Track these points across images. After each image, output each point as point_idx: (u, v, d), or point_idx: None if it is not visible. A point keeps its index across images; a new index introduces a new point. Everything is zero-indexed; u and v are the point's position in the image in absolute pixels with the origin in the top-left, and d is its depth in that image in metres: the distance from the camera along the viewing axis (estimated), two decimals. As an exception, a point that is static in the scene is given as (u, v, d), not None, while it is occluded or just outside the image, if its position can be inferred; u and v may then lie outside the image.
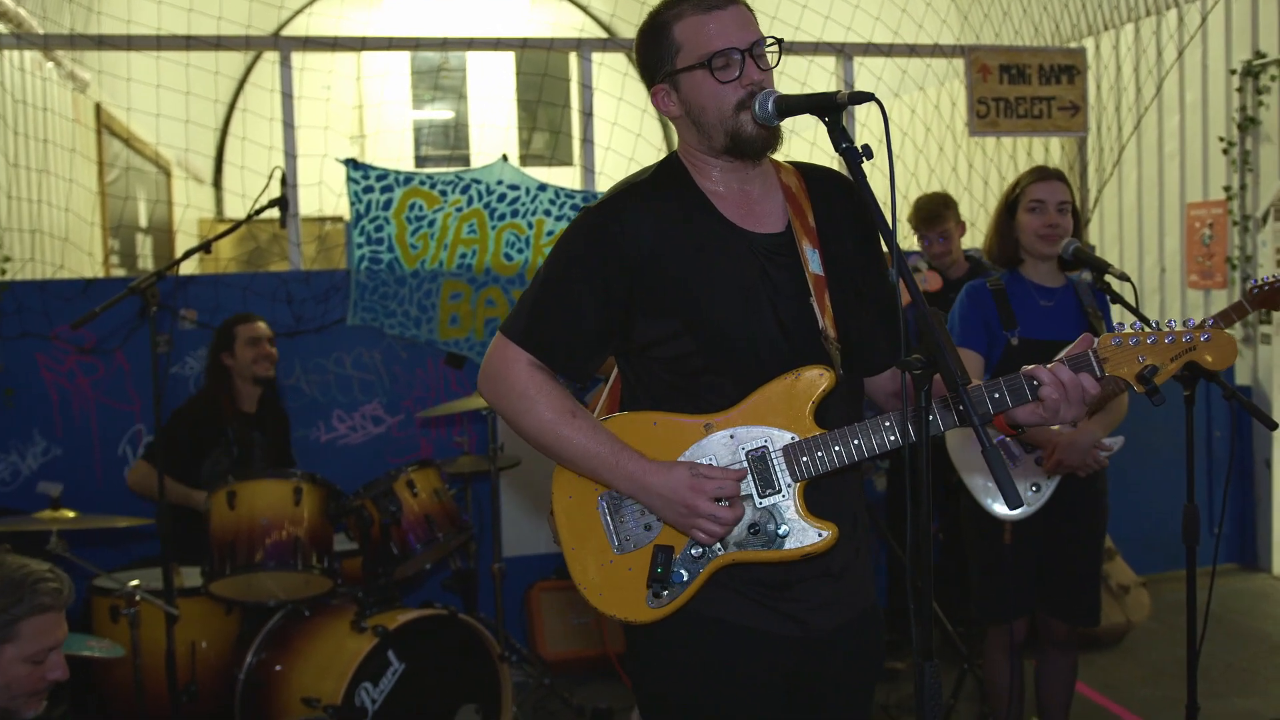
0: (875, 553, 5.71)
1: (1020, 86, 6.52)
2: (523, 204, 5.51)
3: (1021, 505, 2.71)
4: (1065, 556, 3.62)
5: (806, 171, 2.28)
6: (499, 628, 4.57)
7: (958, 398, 1.78)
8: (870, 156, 1.88)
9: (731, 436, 2.10)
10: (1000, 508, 3.58)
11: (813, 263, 2.14)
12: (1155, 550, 6.05)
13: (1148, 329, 2.01)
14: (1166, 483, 6.09)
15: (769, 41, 2.10)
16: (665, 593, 2.10)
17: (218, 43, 5.45)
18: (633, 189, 2.16)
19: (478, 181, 5.47)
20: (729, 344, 2.09)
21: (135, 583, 3.66)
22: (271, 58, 6.33)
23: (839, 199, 2.25)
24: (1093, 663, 5.00)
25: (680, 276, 2.09)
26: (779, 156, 2.24)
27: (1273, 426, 2.93)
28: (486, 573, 5.01)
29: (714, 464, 2.09)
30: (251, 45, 6.09)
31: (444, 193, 5.41)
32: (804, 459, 2.07)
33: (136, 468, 4.70)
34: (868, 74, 6.90)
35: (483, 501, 5.17)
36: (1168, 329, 2.01)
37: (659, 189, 2.16)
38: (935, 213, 5.05)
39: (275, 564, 3.94)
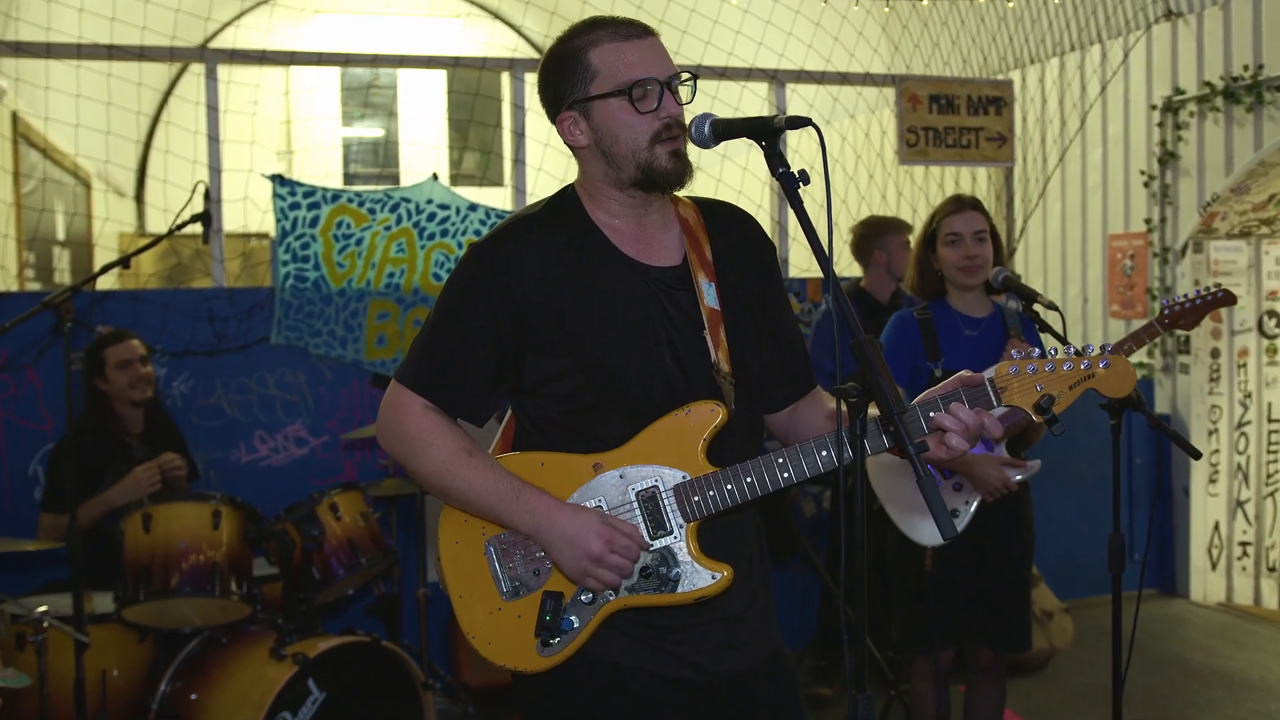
0: (805, 578, 5.72)
1: (949, 117, 6.61)
2: (453, 224, 5.45)
3: (955, 534, 2.72)
4: (994, 584, 3.63)
5: (704, 206, 2.24)
6: (423, 655, 4.48)
7: (893, 426, 1.76)
8: (807, 182, 1.85)
9: (621, 476, 2.03)
10: (925, 534, 3.58)
11: (708, 296, 2.10)
12: (1077, 576, 6.13)
13: (1045, 358, 1.98)
14: (1087, 509, 6.18)
15: (684, 77, 2.06)
16: (555, 641, 2.03)
17: (141, 53, 5.32)
18: (521, 223, 2.10)
19: (407, 200, 5.40)
20: (622, 379, 2.03)
21: (43, 608, 3.53)
22: (197, 70, 6.20)
23: (737, 234, 2.21)
24: (1017, 688, 5.03)
25: (571, 312, 2.04)
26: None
27: (1196, 455, 2.98)
28: (411, 598, 4.92)
29: (603, 505, 2.03)
30: (177, 57, 5.97)
31: (372, 211, 5.33)
32: (695, 498, 2.01)
33: (41, 522, 4.36)
34: (800, 101, 6.95)
35: (407, 525, 5.08)
36: (1065, 357, 1.98)
37: (550, 223, 2.10)
38: (901, 223, 5.18)
39: (192, 589, 3.81)
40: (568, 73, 2.07)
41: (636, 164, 2.04)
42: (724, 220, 2.23)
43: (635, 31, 2.06)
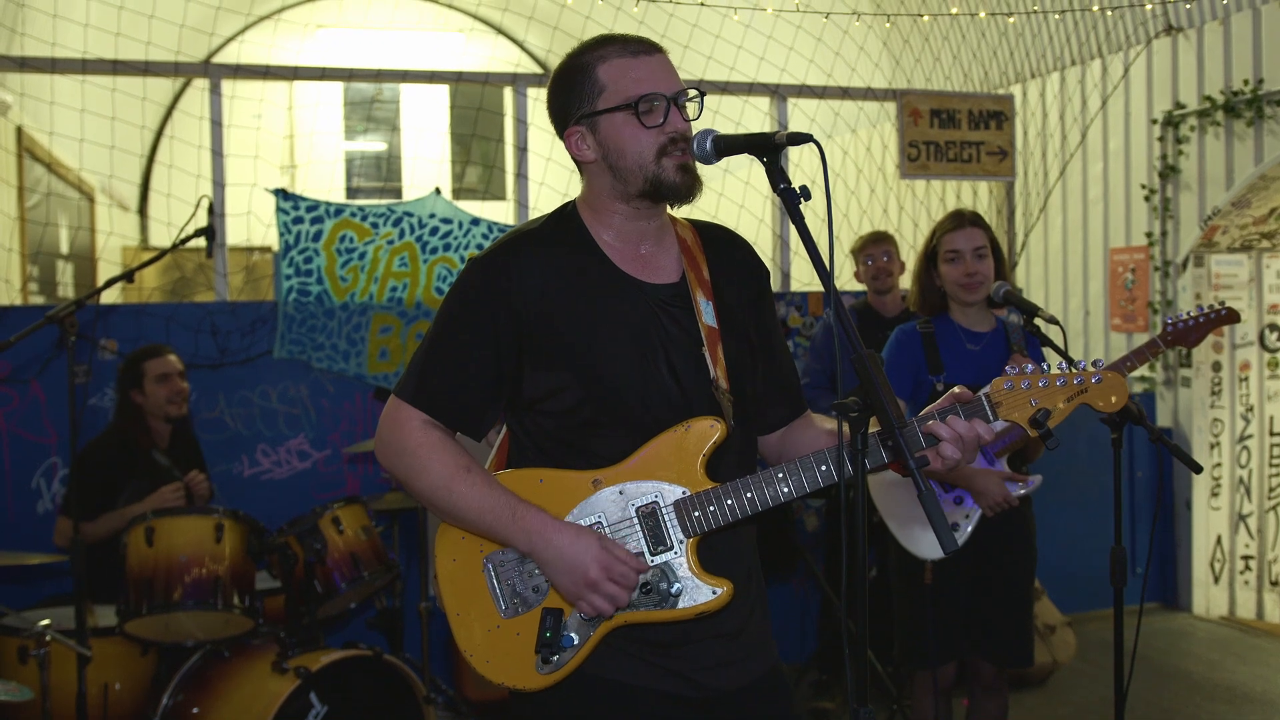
0: (806, 592, 5.71)
1: (950, 131, 6.63)
2: (455, 238, 5.47)
3: (956, 547, 2.73)
4: (995, 599, 3.63)
5: (701, 228, 2.25)
6: (425, 668, 4.48)
7: (895, 442, 1.76)
8: (808, 198, 1.86)
9: (620, 492, 2.03)
10: (924, 547, 3.58)
11: (706, 314, 2.11)
12: (1079, 589, 6.12)
13: (1039, 373, 1.98)
14: (1089, 522, 6.17)
15: (692, 93, 2.08)
16: (555, 658, 2.02)
17: (146, 68, 5.35)
18: (522, 238, 2.10)
19: (410, 214, 5.42)
20: (620, 395, 2.04)
21: (46, 622, 3.53)
22: (201, 85, 6.23)
23: (733, 257, 2.23)
24: (1020, 702, 5.02)
25: (570, 328, 2.04)
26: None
27: (1198, 469, 2.98)
28: (413, 612, 4.92)
29: (603, 521, 2.03)
30: (181, 72, 6.00)
31: (375, 225, 5.35)
32: (696, 514, 2.01)
33: (58, 525, 4.41)
34: (801, 115, 6.97)
35: (409, 539, 5.08)
36: (1059, 372, 1.98)
37: (550, 238, 2.11)
38: (880, 235, 5.22)
39: (194, 603, 3.82)
40: (576, 88, 2.08)
41: (644, 177, 2.05)
42: (720, 242, 2.24)
43: (643, 48, 2.08)
